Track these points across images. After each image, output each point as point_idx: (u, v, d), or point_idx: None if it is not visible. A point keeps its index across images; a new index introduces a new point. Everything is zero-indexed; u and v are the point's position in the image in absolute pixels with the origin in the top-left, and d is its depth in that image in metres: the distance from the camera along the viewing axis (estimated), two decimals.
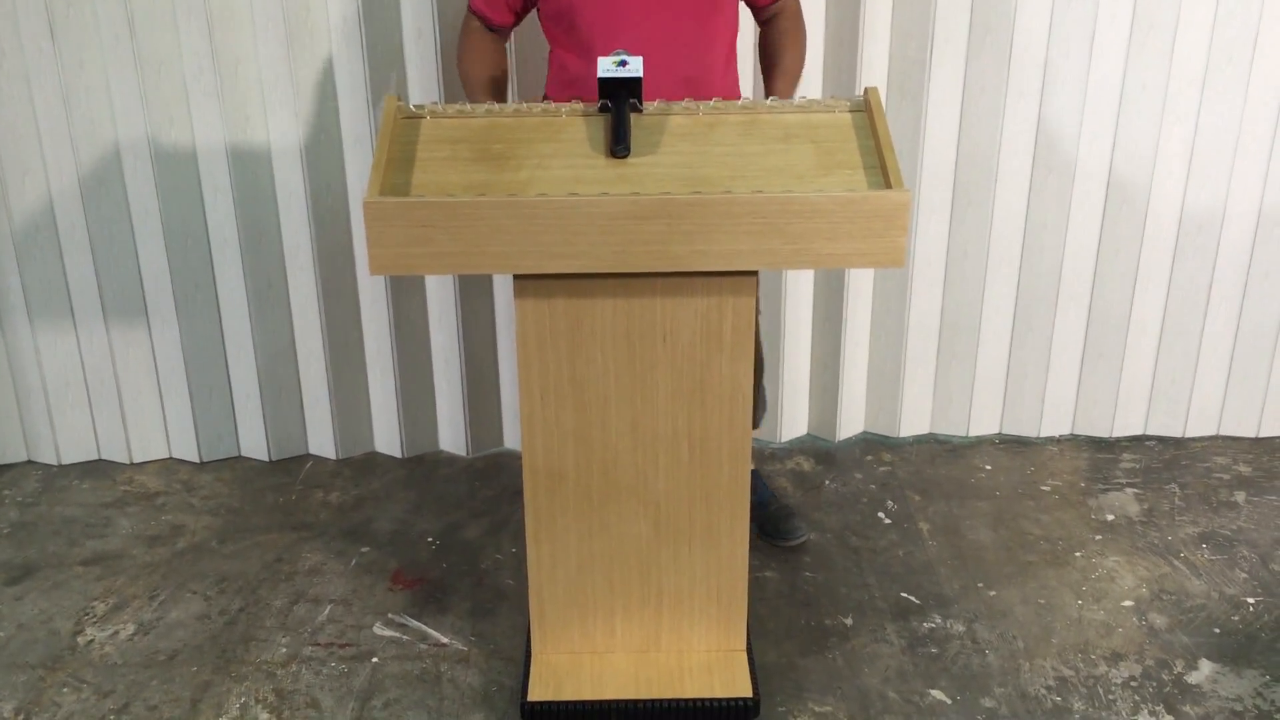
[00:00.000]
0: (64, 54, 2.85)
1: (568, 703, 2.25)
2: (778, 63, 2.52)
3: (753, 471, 2.91)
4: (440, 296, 3.14)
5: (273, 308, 3.13)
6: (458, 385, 3.22)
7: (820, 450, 3.31)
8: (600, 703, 2.25)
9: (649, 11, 2.36)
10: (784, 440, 3.33)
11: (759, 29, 2.60)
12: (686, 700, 2.25)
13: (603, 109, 2.06)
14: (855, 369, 3.28)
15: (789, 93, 2.51)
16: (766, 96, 2.46)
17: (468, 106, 2.11)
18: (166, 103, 2.91)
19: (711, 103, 2.11)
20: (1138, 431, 3.35)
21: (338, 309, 3.15)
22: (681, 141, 2.04)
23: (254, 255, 3.06)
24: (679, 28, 2.37)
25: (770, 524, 2.83)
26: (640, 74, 2.01)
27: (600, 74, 2.01)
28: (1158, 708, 2.31)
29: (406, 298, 3.14)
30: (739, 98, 2.49)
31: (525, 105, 2.12)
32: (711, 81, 2.42)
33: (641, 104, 2.06)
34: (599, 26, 2.36)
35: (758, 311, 2.76)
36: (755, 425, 2.88)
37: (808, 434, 3.38)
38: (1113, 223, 3.12)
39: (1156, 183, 3.07)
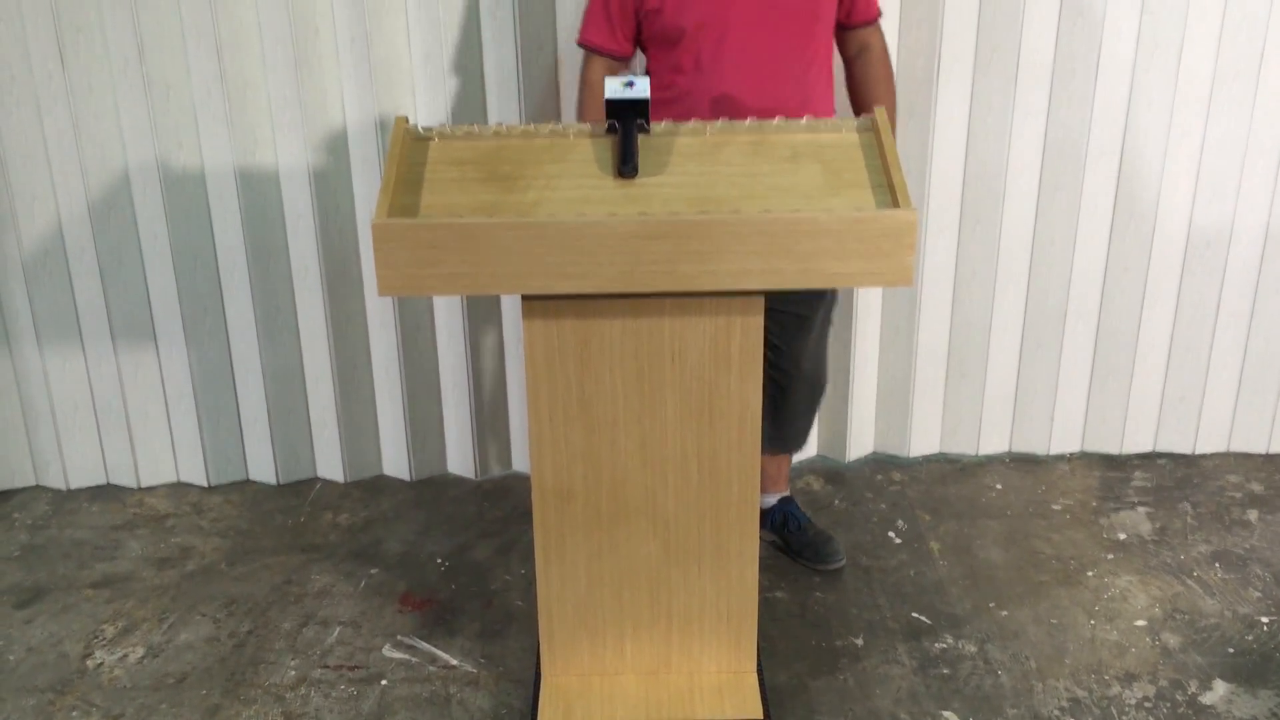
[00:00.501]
0: (73, 79, 2.87)
1: None
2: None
3: (788, 497, 2.92)
4: (448, 319, 3.14)
5: (281, 331, 3.13)
6: (466, 408, 3.22)
7: (830, 470, 3.30)
8: None
9: (754, 29, 2.39)
10: (794, 461, 3.32)
11: (845, 66, 2.62)
12: None
13: (610, 129, 2.06)
14: (864, 389, 3.28)
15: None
16: None
17: (476, 128, 2.11)
18: (175, 127, 2.92)
19: (719, 123, 2.11)
20: (1148, 448, 3.34)
21: (346, 332, 3.15)
22: (689, 162, 2.04)
23: (262, 278, 3.07)
24: (783, 43, 2.41)
25: (809, 549, 2.83)
26: (647, 95, 2.02)
27: (607, 95, 2.02)
28: None
29: (414, 321, 3.14)
30: (833, 112, 2.55)
31: (533, 126, 2.12)
32: (815, 99, 2.48)
33: (649, 125, 2.07)
34: (707, 46, 2.40)
35: (830, 325, 2.75)
36: (795, 449, 2.88)
37: (818, 454, 3.37)
38: (1120, 240, 3.11)
39: (1164, 200, 3.07)
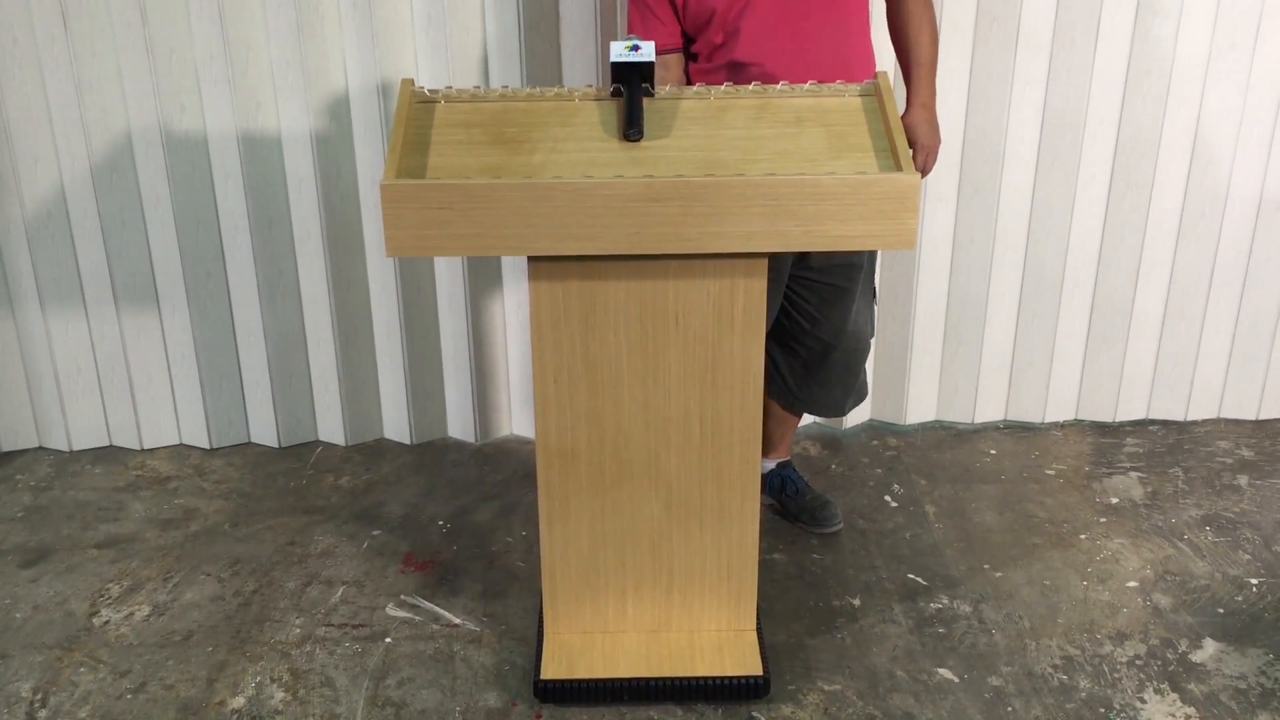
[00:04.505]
0: (76, 41, 2.87)
1: (581, 680, 2.27)
2: (913, 52, 2.52)
3: (786, 461, 2.95)
4: (449, 284, 3.16)
5: (283, 295, 3.15)
6: (466, 372, 3.24)
7: (827, 437, 3.33)
8: (613, 681, 2.27)
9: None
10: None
11: (886, 3, 2.58)
12: (698, 678, 2.27)
13: (615, 93, 2.08)
14: None
15: (931, 85, 2.52)
16: (907, 86, 2.51)
17: (482, 90, 2.13)
18: (178, 90, 2.93)
19: (723, 87, 2.13)
20: (1140, 416, 3.37)
21: (348, 296, 3.17)
22: (693, 125, 2.06)
23: (264, 242, 3.08)
24: (810, 5, 2.40)
25: (807, 512, 2.87)
26: (652, 58, 2.03)
27: (612, 58, 2.03)
28: (1163, 686, 2.34)
29: (416, 285, 3.16)
30: (873, 68, 2.50)
31: (538, 89, 2.13)
32: (853, 57, 2.46)
33: (654, 88, 2.08)
34: (734, 19, 2.40)
35: (872, 296, 2.74)
36: (843, 411, 2.89)
37: (814, 421, 3.40)
38: (1117, 209, 3.14)
39: (1160, 168, 3.09)
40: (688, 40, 2.49)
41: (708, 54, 2.45)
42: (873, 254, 2.73)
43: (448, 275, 3.15)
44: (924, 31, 2.51)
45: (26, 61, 2.89)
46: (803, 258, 2.60)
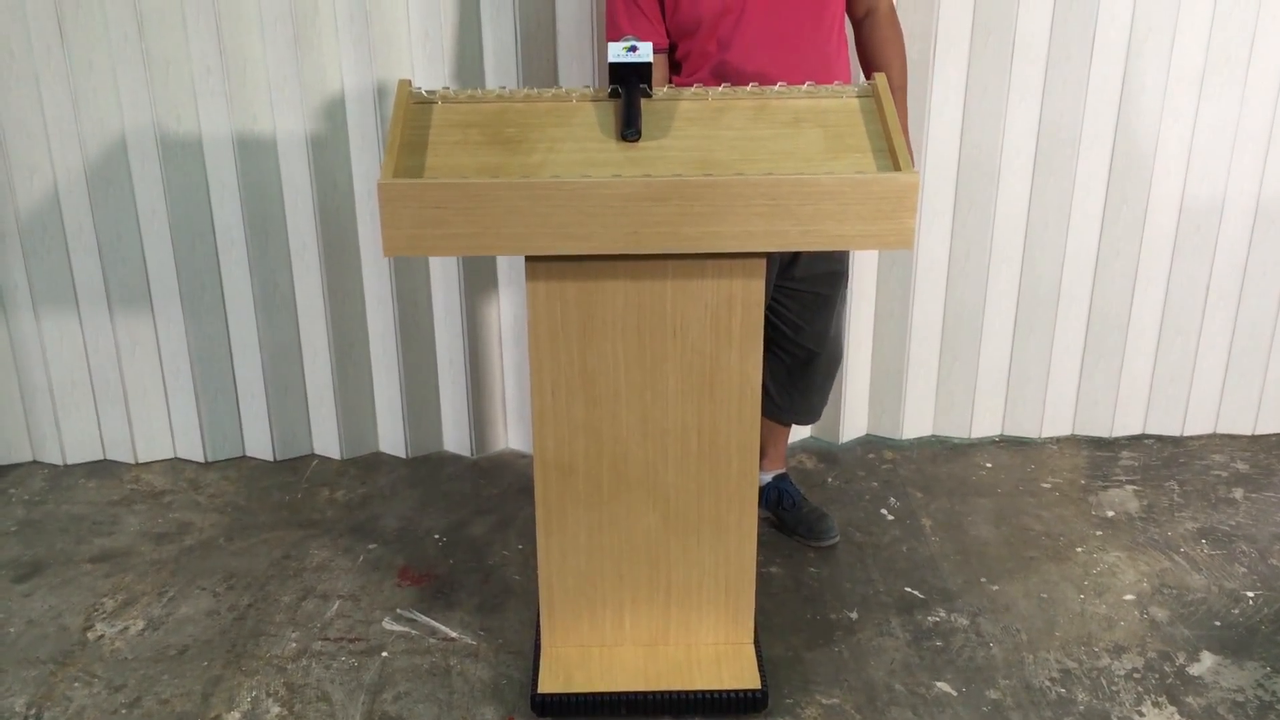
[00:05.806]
0: (73, 54, 2.87)
1: (578, 694, 2.26)
2: (887, 78, 2.54)
3: (783, 474, 2.94)
4: (445, 296, 3.15)
5: (279, 307, 3.14)
6: (462, 385, 3.23)
7: (823, 450, 3.32)
8: (610, 694, 2.26)
9: (771, 4, 2.42)
10: (788, 440, 3.34)
11: (854, 29, 2.62)
12: (695, 692, 2.25)
13: (613, 94, 2.08)
14: (858, 372, 3.30)
15: (903, 109, 2.58)
16: None
17: (479, 91, 2.13)
18: (174, 102, 2.93)
19: (720, 88, 2.13)
20: (1137, 430, 3.37)
21: (343, 308, 3.16)
22: (691, 126, 2.06)
23: (260, 254, 3.08)
24: (801, 14, 2.43)
25: (804, 525, 2.86)
26: (650, 59, 2.04)
27: (610, 59, 2.04)
28: (1160, 699, 2.32)
29: (411, 298, 3.16)
30: (849, 80, 2.54)
31: (536, 90, 2.14)
32: (835, 68, 2.49)
33: (651, 89, 2.09)
34: (726, 29, 2.42)
35: (844, 303, 2.77)
36: (812, 421, 2.91)
37: (811, 435, 3.39)
38: (1112, 223, 3.15)
39: (1155, 183, 3.10)
40: (670, 48, 2.51)
41: (695, 64, 2.47)
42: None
43: (444, 287, 3.15)
44: (895, 58, 2.57)
45: (23, 73, 2.89)
46: (787, 267, 2.63)
